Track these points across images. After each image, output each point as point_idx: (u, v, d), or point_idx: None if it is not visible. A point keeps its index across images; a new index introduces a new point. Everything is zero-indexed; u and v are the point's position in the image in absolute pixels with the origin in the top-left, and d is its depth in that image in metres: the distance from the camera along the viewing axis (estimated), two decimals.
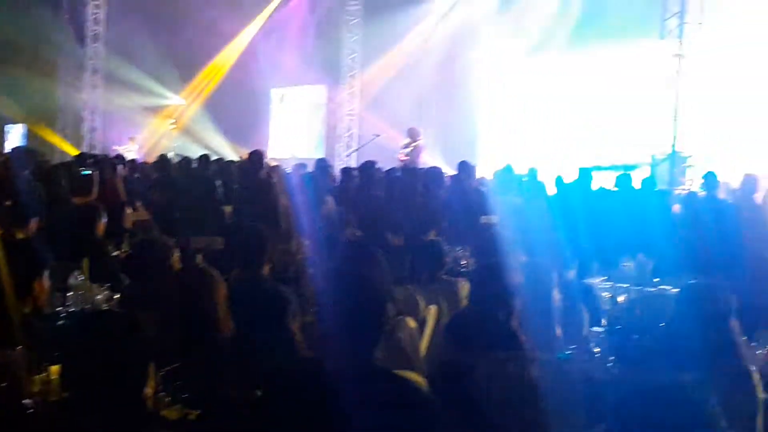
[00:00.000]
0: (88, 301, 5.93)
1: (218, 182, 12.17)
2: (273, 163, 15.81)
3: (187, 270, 5.34)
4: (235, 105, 27.35)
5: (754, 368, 4.64)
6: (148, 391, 3.42)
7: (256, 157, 11.78)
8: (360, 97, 26.10)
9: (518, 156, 19.97)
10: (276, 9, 27.94)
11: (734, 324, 4.51)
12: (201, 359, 4.16)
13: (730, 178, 14.91)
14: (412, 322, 5.48)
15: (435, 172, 12.54)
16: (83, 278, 6.22)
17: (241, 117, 27.48)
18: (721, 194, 12.77)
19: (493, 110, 24.99)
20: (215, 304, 4.43)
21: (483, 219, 10.41)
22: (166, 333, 4.17)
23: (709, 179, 11.61)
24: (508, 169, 13.48)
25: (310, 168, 13.91)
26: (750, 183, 11.13)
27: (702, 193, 12.02)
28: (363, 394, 3.33)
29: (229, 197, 11.96)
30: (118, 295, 5.93)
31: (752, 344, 5.06)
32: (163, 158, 14.51)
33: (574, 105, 22.35)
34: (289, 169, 14.24)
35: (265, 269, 5.55)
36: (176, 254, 5.65)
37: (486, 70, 25.05)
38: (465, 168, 12.55)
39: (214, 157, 15.92)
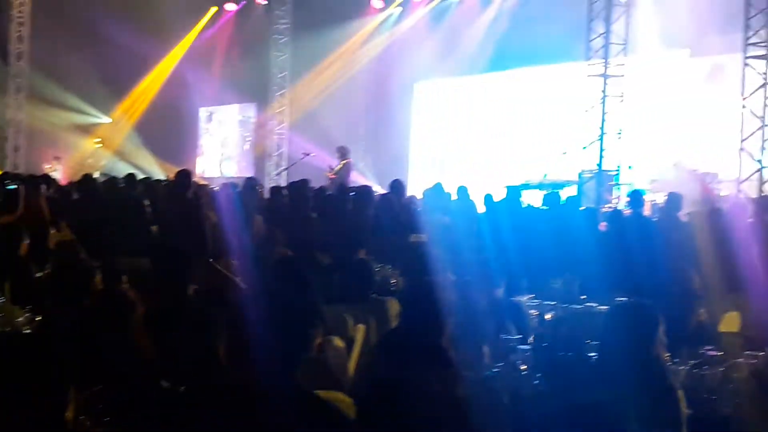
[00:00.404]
0: (8, 324, 5.78)
1: (146, 202, 12.03)
2: (202, 182, 15.70)
3: (104, 293, 5.25)
4: (164, 124, 27.17)
5: (678, 385, 4.69)
6: (69, 414, 3.34)
7: (183, 176, 11.66)
8: (290, 116, 26.02)
9: (448, 174, 20.11)
10: (204, 28, 27.85)
11: (660, 342, 4.55)
12: (121, 382, 4.09)
13: (656, 195, 15.16)
14: (339, 342, 5.45)
15: (365, 190, 12.53)
16: (4, 300, 6.09)
17: (170, 136, 27.32)
18: (647, 212, 12.94)
19: (423, 129, 25.13)
20: (131, 327, 4.36)
21: (413, 237, 10.42)
22: (86, 356, 4.10)
23: (634, 197, 11.73)
24: (437, 188, 13.53)
25: (240, 186, 13.82)
26: (674, 201, 11.25)
27: (628, 211, 12.16)
28: (285, 415, 3.29)
29: (157, 217, 11.81)
30: (40, 318, 5.81)
31: (675, 361, 5.12)
32: (87, 178, 14.28)
33: (504, 124, 22.58)
34: (217, 188, 14.13)
35: (190, 289, 5.49)
36: (99, 276, 5.55)
37: (417, 89, 25.21)
38: (395, 186, 12.57)
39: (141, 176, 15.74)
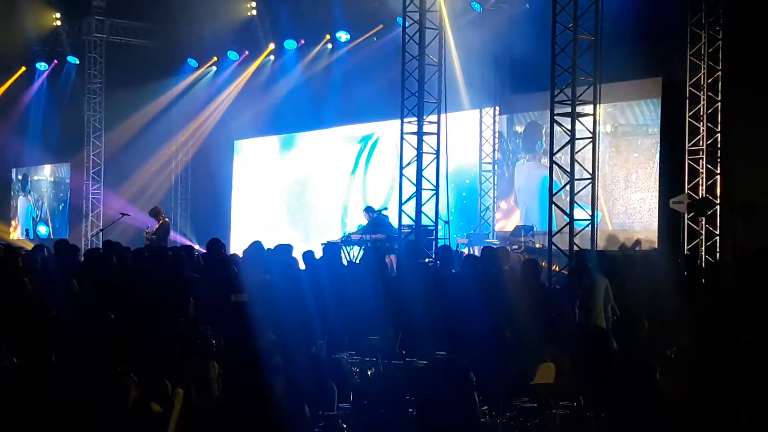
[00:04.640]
0: None
1: None
2: (14, 245, 15.16)
3: None
4: None
5: None
6: None
7: None
8: (105, 176, 25.37)
9: (270, 231, 20.11)
10: (12, 86, 27.14)
11: (475, 397, 4.58)
12: None
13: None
14: (156, 407, 5.34)
15: (184, 250, 12.38)
16: None
17: None
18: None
19: (245, 186, 25.09)
20: None
21: (233, 297, 10.31)
22: None
23: (443, 252, 11.92)
24: (257, 246, 13.45)
25: (53, 249, 13.40)
26: (490, 255, 11.43)
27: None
28: None
29: None
30: None
31: (492, 414, 5.24)
32: None
33: (324, 180, 22.76)
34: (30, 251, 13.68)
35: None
36: None
37: (238, 147, 25.22)
38: (213, 245, 12.45)
39: None
